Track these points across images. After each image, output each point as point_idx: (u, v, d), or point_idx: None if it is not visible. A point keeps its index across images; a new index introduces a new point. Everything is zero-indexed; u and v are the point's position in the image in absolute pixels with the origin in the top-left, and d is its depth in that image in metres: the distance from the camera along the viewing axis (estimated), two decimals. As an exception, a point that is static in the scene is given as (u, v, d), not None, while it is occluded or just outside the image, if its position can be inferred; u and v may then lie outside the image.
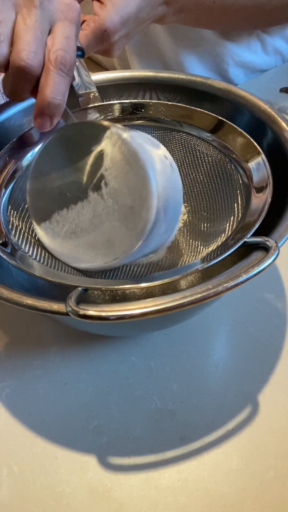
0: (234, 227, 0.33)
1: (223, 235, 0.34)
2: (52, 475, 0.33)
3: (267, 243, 0.28)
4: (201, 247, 0.37)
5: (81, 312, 0.25)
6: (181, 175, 0.34)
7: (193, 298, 0.25)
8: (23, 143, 0.39)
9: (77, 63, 0.44)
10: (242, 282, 0.26)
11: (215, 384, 0.37)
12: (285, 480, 0.32)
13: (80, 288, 0.28)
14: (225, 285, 0.26)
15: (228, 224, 0.35)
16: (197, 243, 0.38)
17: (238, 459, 0.33)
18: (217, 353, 0.39)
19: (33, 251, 0.35)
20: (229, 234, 0.33)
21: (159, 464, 0.33)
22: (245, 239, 0.29)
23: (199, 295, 0.25)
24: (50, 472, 0.33)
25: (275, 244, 0.28)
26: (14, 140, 0.39)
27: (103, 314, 0.25)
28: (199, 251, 0.37)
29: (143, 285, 0.30)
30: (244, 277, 0.26)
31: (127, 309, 0.25)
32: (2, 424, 0.35)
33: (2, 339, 0.41)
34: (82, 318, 0.25)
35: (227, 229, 0.34)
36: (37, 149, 0.40)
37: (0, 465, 0.33)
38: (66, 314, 0.26)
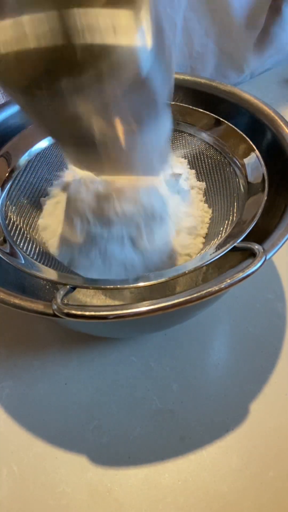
0: (228, 231, 0.33)
1: (216, 239, 0.34)
2: (52, 475, 0.33)
3: (255, 250, 0.28)
4: (195, 249, 0.37)
5: (66, 310, 0.25)
6: None
7: (175, 301, 0.26)
8: (21, 143, 0.39)
9: None
10: (226, 288, 0.26)
11: (215, 384, 0.37)
12: (285, 480, 0.32)
13: (68, 286, 0.28)
14: (209, 290, 0.26)
15: (222, 228, 0.35)
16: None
17: (238, 459, 0.33)
18: (217, 353, 0.39)
19: (30, 248, 0.35)
20: (222, 238, 0.33)
21: (159, 464, 0.33)
22: (235, 244, 0.30)
23: (181, 299, 0.26)
24: (50, 472, 0.33)
25: (262, 251, 0.28)
26: (12, 139, 0.39)
27: (87, 313, 0.25)
28: (192, 254, 0.37)
29: (131, 285, 0.30)
30: (228, 282, 0.26)
31: (112, 309, 0.25)
32: (2, 424, 0.35)
33: (2, 339, 0.41)
34: (67, 316, 0.25)
35: (222, 232, 0.34)
36: (34, 148, 0.40)
37: (0, 465, 0.33)
38: (53, 314, 0.26)
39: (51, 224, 0.39)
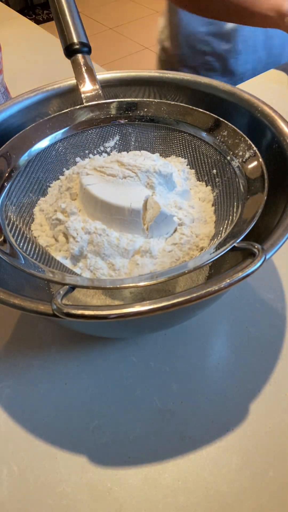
0: (227, 231, 0.33)
1: (215, 239, 0.34)
2: (52, 475, 0.33)
3: (254, 249, 0.28)
4: (195, 249, 0.37)
5: (65, 310, 0.25)
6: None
7: (175, 301, 0.26)
8: (21, 142, 0.39)
9: (82, 61, 0.44)
10: (225, 287, 0.26)
11: (215, 384, 0.37)
12: (285, 480, 0.32)
13: (67, 286, 0.28)
14: (209, 289, 0.26)
15: (222, 227, 0.35)
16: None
17: (238, 459, 0.33)
18: (217, 353, 0.39)
19: (30, 248, 0.35)
20: (222, 237, 0.33)
21: (159, 464, 0.33)
22: (234, 244, 0.30)
23: (181, 299, 0.26)
24: (50, 472, 0.33)
25: (261, 251, 0.28)
26: (12, 139, 0.39)
27: (87, 313, 0.25)
28: (191, 254, 0.37)
29: (131, 284, 0.30)
30: (228, 282, 0.26)
31: (112, 309, 0.25)
32: (2, 424, 0.35)
33: (2, 339, 0.41)
34: (67, 316, 0.25)
35: (221, 232, 0.34)
36: (34, 148, 0.40)
37: (0, 465, 0.33)
38: (53, 314, 0.26)
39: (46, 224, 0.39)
